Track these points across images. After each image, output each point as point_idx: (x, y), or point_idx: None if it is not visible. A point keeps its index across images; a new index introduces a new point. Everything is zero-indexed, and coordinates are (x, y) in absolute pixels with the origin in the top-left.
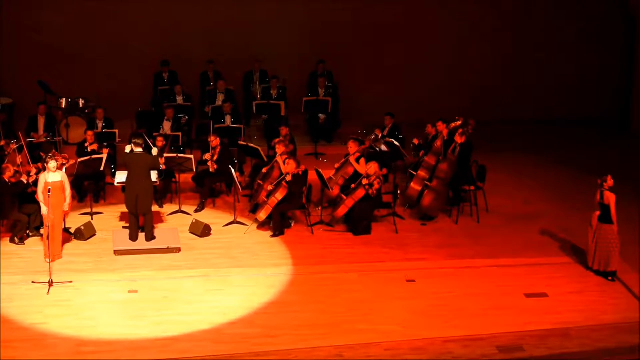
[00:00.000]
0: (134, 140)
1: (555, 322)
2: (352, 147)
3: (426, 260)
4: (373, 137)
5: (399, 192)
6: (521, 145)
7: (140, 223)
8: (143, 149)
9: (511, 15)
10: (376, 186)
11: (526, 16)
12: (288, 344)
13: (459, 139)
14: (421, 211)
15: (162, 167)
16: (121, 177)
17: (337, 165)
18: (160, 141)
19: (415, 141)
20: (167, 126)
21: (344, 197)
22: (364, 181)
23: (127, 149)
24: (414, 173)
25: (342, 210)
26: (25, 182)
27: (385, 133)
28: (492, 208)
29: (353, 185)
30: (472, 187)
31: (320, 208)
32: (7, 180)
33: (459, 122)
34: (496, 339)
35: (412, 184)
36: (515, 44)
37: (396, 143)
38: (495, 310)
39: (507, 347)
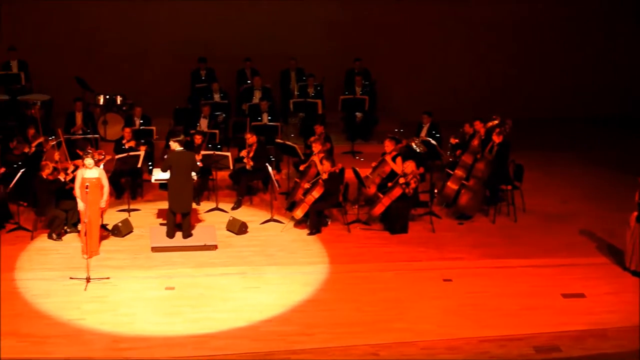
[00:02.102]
0: (174, 139)
1: (592, 322)
2: (389, 146)
3: (463, 259)
4: (414, 144)
5: (435, 191)
6: (558, 144)
7: (178, 220)
8: (183, 146)
9: (543, 14)
10: (413, 185)
11: (568, 16)
12: (324, 342)
13: (496, 138)
14: (458, 210)
15: (199, 164)
16: (158, 174)
17: (374, 164)
18: (198, 139)
19: (453, 140)
20: (203, 123)
21: (381, 196)
22: (401, 180)
23: (174, 145)
24: (451, 172)
25: (378, 209)
26: (63, 180)
27: (423, 133)
28: (529, 208)
29: (390, 184)
30: (509, 187)
31: (356, 206)
32: (45, 177)
33: (496, 121)
34: (533, 339)
35: (449, 183)
36: (552, 43)
37: (433, 142)
38: (532, 310)
39: (544, 347)
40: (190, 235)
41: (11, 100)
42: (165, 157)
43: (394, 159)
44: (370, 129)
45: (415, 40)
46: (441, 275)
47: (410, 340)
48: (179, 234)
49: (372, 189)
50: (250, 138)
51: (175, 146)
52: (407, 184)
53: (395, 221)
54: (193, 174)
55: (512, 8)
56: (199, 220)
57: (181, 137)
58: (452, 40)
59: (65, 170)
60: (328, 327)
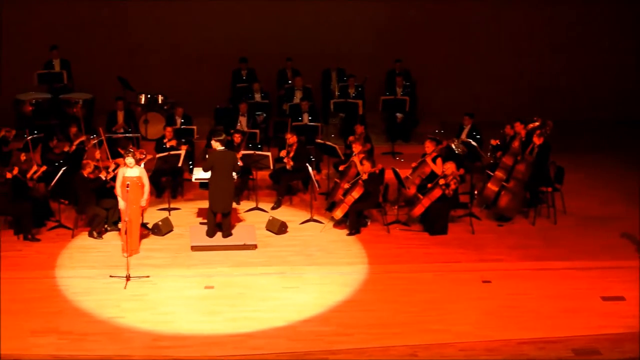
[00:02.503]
0: (216, 138)
1: (631, 325)
2: (429, 147)
3: (502, 261)
4: (454, 145)
5: (475, 192)
6: (599, 146)
7: (218, 220)
8: (225, 145)
9: (590, 16)
10: (453, 186)
11: (607, 18)
12: (362, 342)
13: (537, 140)
14: (498, 212)
15: (240, 163)
16: (199, 173)
17: (414, 165)
18: (237, 137)
19: (494, 142)
20: (242, 122)
21: (421, 197)
22: (441, 181)
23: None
24: (491, 174)
25: (418, 210)
26: (104, 178)
27: (464, 134)
28: (569, 210)
29: (430, 185)
30: (550, 189)
31: (396, 207)
32: (86, 176)
33: (537, 123)
34: (572, 342)
35: (489, 185)
36: (592, 45)
37: (473, 143)
38: (571, 312)
39: (583, 349)
40: (230, 234)
41: (53, 98)
42: (207, 156)
43: (434, 160)
44: (411, 130)
45: (456, 41)
46: (480, 277)
47: (449, 342)
48: (218, 234)
49: (412, 190)
50: (291, 138)
51: (217, 145)
52: (447, 185)
53: (434, 222)
54: (234, 173)
55: (554, 9)
56: (239, 220)
57: (223, 137)
58: (494, 41)
59: (107, 168)
60: (366, 327)
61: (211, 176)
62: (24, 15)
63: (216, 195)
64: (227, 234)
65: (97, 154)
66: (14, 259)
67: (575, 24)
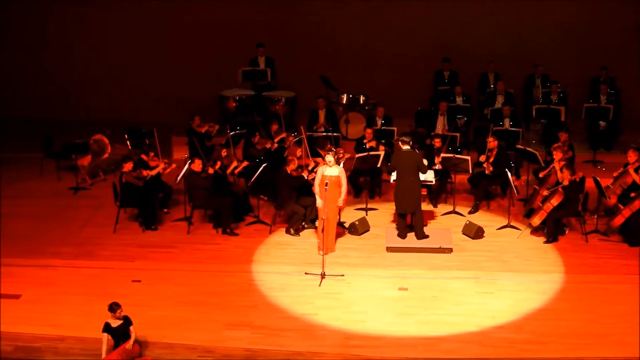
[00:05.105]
0: (401, 138)
1: None
2: (632, 157)
3: None
4: None
5: None
6: None
7: (408, 221)
8: (411, 146)
9: None
10: None
11: None
12: (555, 352)
13: None
14: None
15: (439, 166)
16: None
17: (615, 174)
18: (438, 142)
19: None
20: (441, 121)
21: (621, 207)
22: None
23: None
24: None
25: (618, 220)
26: (306, 178)
27: None
28: None
29: (633, 194)
30: None
31: (596, 216)
32: (289, 172)
33: None
34: None
35: None
36: None
37: None
38: None
39: None
40: (424, 236)
41: (257, 95)
42: (391, 158)
43: (636, 170)
44: (614, 139)
45: None
46: None
47: None
48: (412, 235)
49: (612, 200)
50: (491, 143)
51: (402, 145)
52: None
53: (635, 233)
54: (431, 176)
55: None
56: (436, 223)
57: (406, 137)
58: None
59: (307, 167)
60: (560, 337)
61: (396, 176)
62: (231, 13)
63: (400, 195)
64: (420, 235)
65: (298, 152)
66: (212, 252)
67: None
